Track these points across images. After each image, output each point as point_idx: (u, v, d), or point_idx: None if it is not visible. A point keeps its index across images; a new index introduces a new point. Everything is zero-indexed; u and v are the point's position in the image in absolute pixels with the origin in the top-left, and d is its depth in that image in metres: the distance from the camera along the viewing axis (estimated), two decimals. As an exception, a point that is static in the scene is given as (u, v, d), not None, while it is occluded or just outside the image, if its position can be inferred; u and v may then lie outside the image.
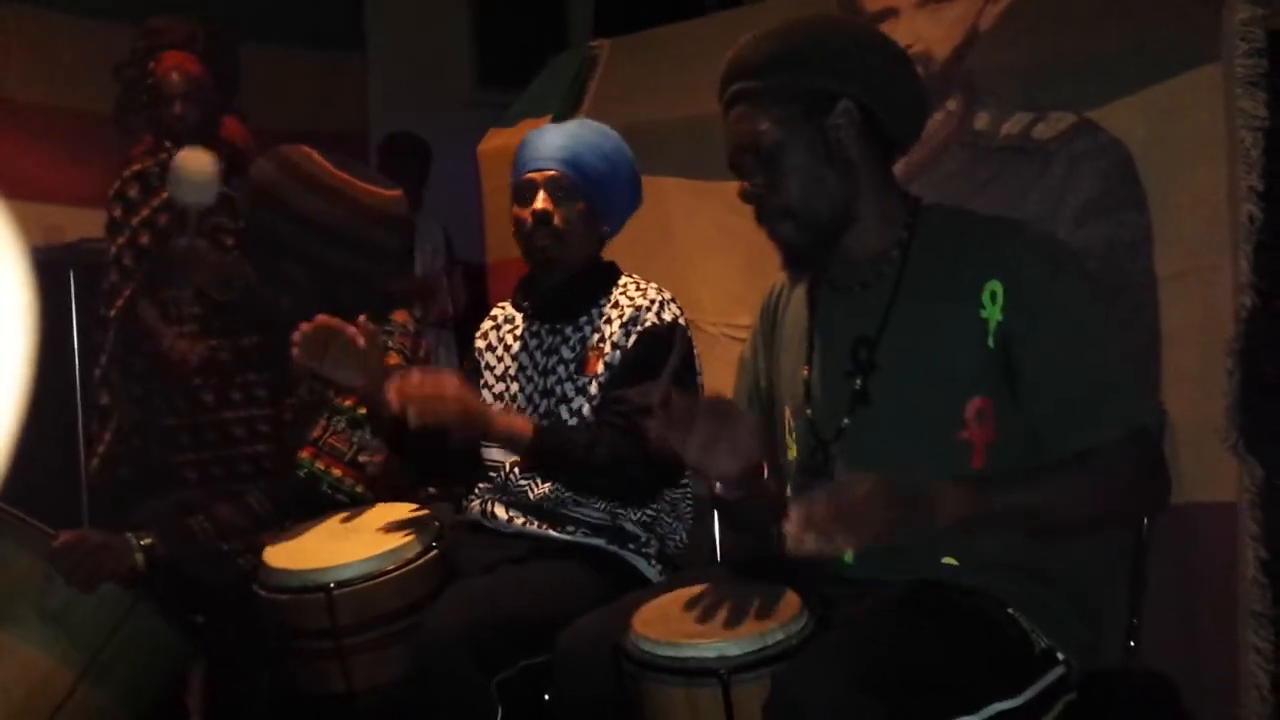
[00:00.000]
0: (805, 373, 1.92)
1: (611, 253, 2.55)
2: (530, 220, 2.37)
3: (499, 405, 2.45)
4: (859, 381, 1.82)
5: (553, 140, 2.42)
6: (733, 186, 2.87)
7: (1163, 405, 2.13)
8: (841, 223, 1.84)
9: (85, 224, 4.36)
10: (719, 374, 2.89)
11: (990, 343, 1.73)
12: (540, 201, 2.37)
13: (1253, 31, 2.11)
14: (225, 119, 3.80)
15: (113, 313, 3.65)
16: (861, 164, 1.83)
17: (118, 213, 3.65)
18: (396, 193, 2.60)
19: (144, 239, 3.63)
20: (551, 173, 2.38)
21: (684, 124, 3.18)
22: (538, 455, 2.25)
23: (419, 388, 2.10)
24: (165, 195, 3.60)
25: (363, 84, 5.94)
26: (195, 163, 3.07)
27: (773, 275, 2.15)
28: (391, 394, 2.09)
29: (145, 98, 3.71)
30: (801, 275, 1.97)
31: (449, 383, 2.16)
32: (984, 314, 1.73)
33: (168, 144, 3.66)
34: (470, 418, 2.16)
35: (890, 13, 2.70)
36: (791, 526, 1.55)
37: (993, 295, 1.73)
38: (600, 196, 2.42)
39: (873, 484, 1.59)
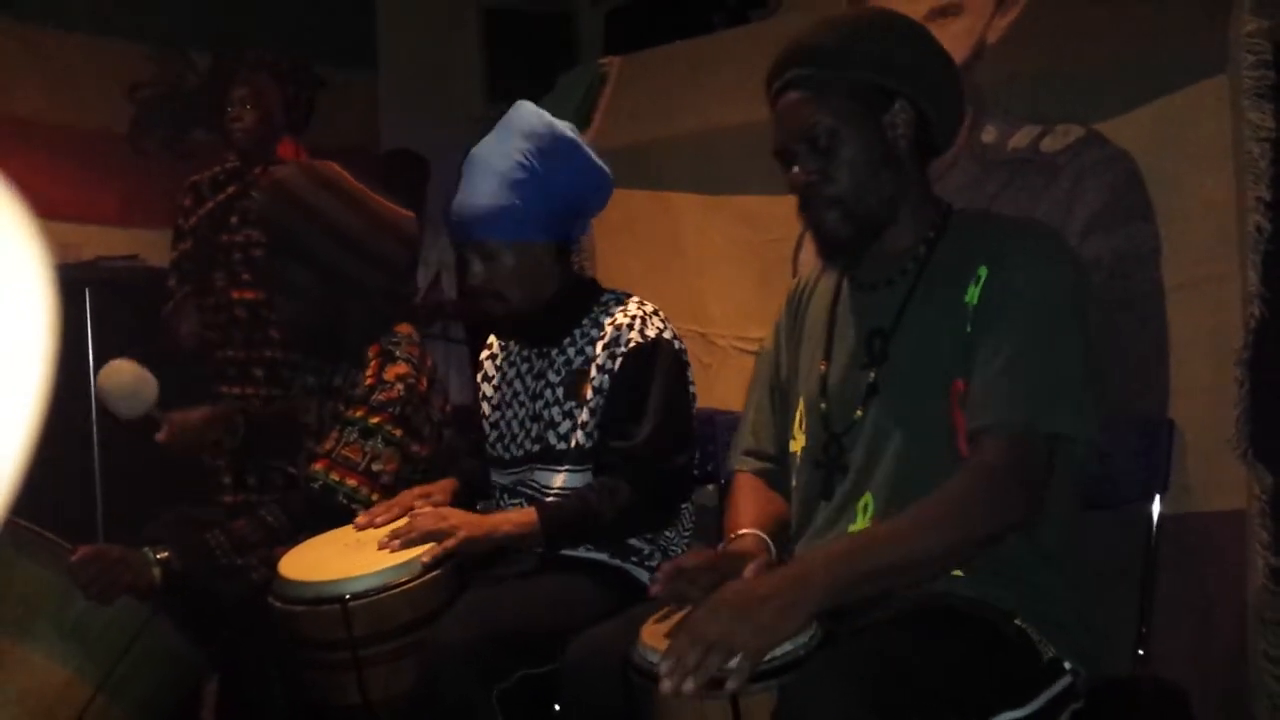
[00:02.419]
0: (823, 366, 1.94)
1: (624, 267, 2.56)
2: (471, 287, 2.39)
3: (493, 434, 2.48)
4: (873, 374, 1.84)
5: (466, 200, 2.31)
6: (743, 201, 2.90)
7: (1169, 418, 2.15)
8: (886, 219, 1.86)
9: (101, 242, 4.40)
10: (730, 385, 2.91)
11: (968, 327, 1.74)
12: (472, 275, 2.36)
13: (1259, 43, 2.11)
14: (285, 141, 3.88)
15: (162, 314, 3.77)
16: (909, 164, 1.86)
17: (180, 221, 3.79)
18: (409, 213, 2.64)
19: (188, 245, 3.73)
20: (467, 239, 2.35)
21: (694, 139, 3.20)
22: (553, 541, 2.26)
23: (420, 523, 2.20)
24: (210, 205, 3.72)
25: (373, 101, 5.99)
26: (116, 378, 2.69)
27: (783, 289, 2.16)
28: (392, 540, 2.18)
29: (176, 109, 3.83)
30: (838, 264, 1.99)
31: (448, 514, 2.24)
32: (966, 298, 1.75)
33: (230, 156, 3.76)
34: (476, 542, 2.20)
35: (898, 26, 2.71)
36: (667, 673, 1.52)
37: (977, 279, 1.75)
38: (530, 224, 2.31)
39: (728, 593, 1.61)
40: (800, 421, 1.98)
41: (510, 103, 2.40)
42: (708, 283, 3.21)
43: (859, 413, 1.85)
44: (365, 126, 5.88)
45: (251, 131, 3.71)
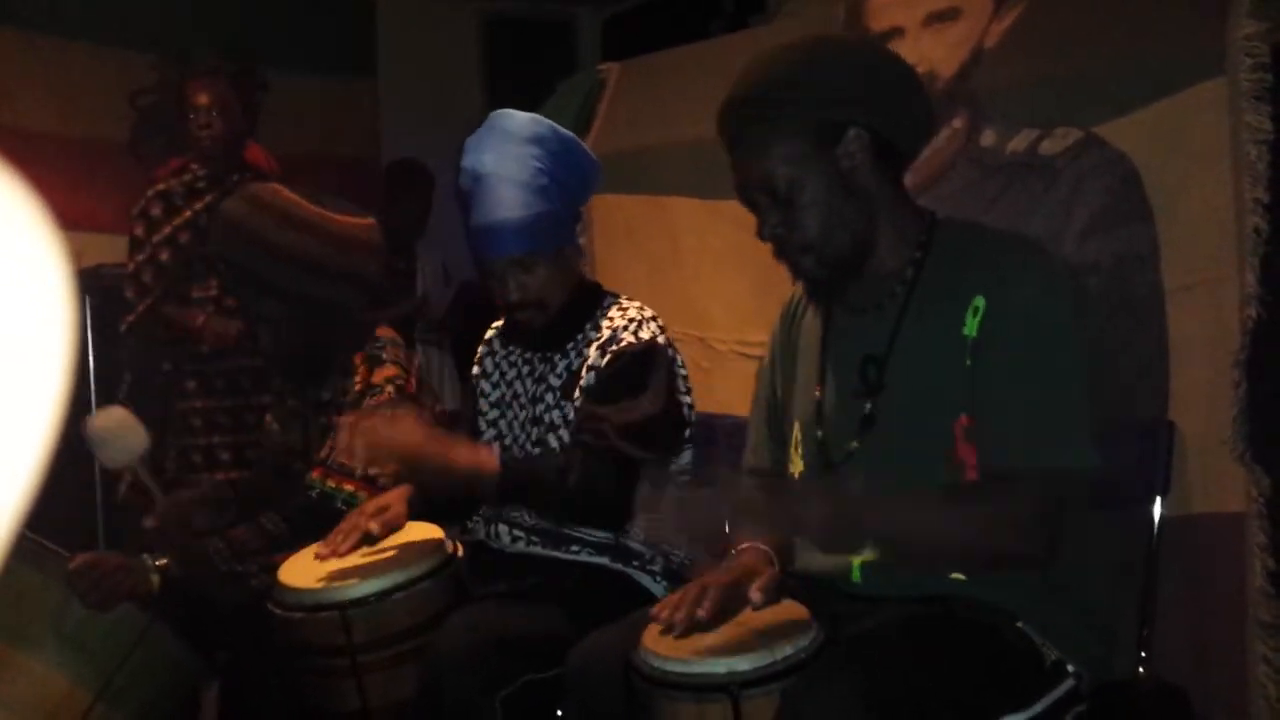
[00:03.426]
0: (817, 393, 1.91)
1: (623, 272, 2.56)
2: (511, 303, 2.34)
3: (491, 432, 2.46)
4: (869, 405, 1.81)
5: (494, 216, 2.26)
6: (742, 206, 2.90)
7: (1166, 422, 2.15)
8: (862, 251, 1.82)
9: (100, 250, 4.40)
10: (730, 389, 2.91)
11: (967, 360, 1.71)
12: (513, 290, 2.31)
13: (1257, 46, 2.11)
14: (250, 145, 3.86)
15: (124, 328, 3.70)
16: (876, 188, 1.81)
17: (140, 230, 3.73)
18: (369, 220, 2.60)
19: (164, 255, 3.69)
20: (507, 255, 2.30)
21: (693, 145, 3.19)
22: (507, 491, 2.18)
23: (371, 428, 2.06)
24: (188, 214, 3.67)
25: (374, 109, 5.99)
26: (103, 421, 2.49)
27: (783, 293, 2.16)
28: (343, 435, 2.06)
29: (171, 116, 3.78)
30: (824, 301, 1.96)
31: (404, 423, 2.12)
32: (965, 331, 1.72)
33: (193, 165, 3.72)
34: (423, 459, 2.09)
35: (896, 32, 2.72)
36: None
37: (974, 311, 1.71)
38: (562, 228, 2.34)
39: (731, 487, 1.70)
40: (797, 446, 1.96)
41: (511, 108, 2.38)
42: (707, 287, 3.21)
43: (855, 444, 1.82)
44: (366, 134, 5.89)
45: (221, 138, 3.68)
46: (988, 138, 2.52)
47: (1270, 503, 2.06)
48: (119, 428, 2.44)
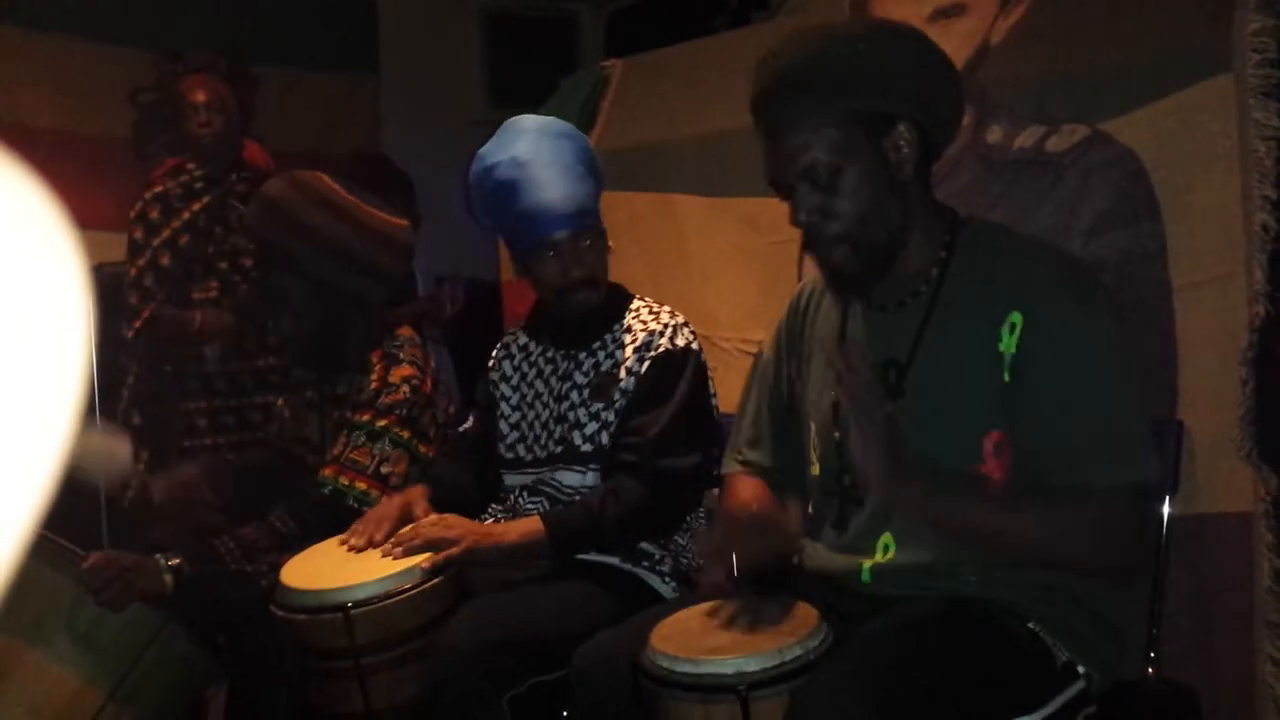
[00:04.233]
0: (834, 392, 1.87)
1: (628, 270, 2.56)
2: (574, 283, 2.35)
3: (514, 435, 2.47)
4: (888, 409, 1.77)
5: (552, 194, 2.30)
6: (747, 203, 2.89)
7: (1179, 424, 2.14)
8: (896, 247, 1.78)
9: (103, 248, 4.39)
10: (734, 388, 2.89)
11: (1005, 376, 1.68)
12: (576, 266, 2.34)
13: (1264, 42, 2.10)
14: (247, 142, 3.85)
15: (130, 334, 3.68)
16: (914, 184, 1.77)
17: (139, 234, 3.70)
18: (403, 222, 2.62)
19: (165, 260, 3.67)
20: (565, 232, 2.32)
21: (697, 141, 3.20)
22: (560, 546, 2.25)
23: (424, 531, 2.19)
24: (186, 215, 3.65)
25: (375, 105, 5.98)
26: (83, 446, 2.52)
27: (786, 290, 2.16)
28: (395, 547, 2.19)
29: (169, 115, 3.77)
30: (849, 298, 1.91)
31: (455, 524, 2.23)
32: (1001, 346, 1.68)
33: (190, 165, 3.70)
34: (479, 552, 2.19)
35: (901, 28, 2.71)
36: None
37: (1011, 327, 1.68)
38: (598, 206, 2.41)
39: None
40: (814, 447, 1.94)
41: (512, 105, 2.42)
42: (711, 285, 3.21)
43: None
44: (367, 131, 5.87)
45: (221, 136, 3.67)
46: (994, 134, 2.52)
47: (1276, 502, 2.06)
48: (102, 451, 2.47)
